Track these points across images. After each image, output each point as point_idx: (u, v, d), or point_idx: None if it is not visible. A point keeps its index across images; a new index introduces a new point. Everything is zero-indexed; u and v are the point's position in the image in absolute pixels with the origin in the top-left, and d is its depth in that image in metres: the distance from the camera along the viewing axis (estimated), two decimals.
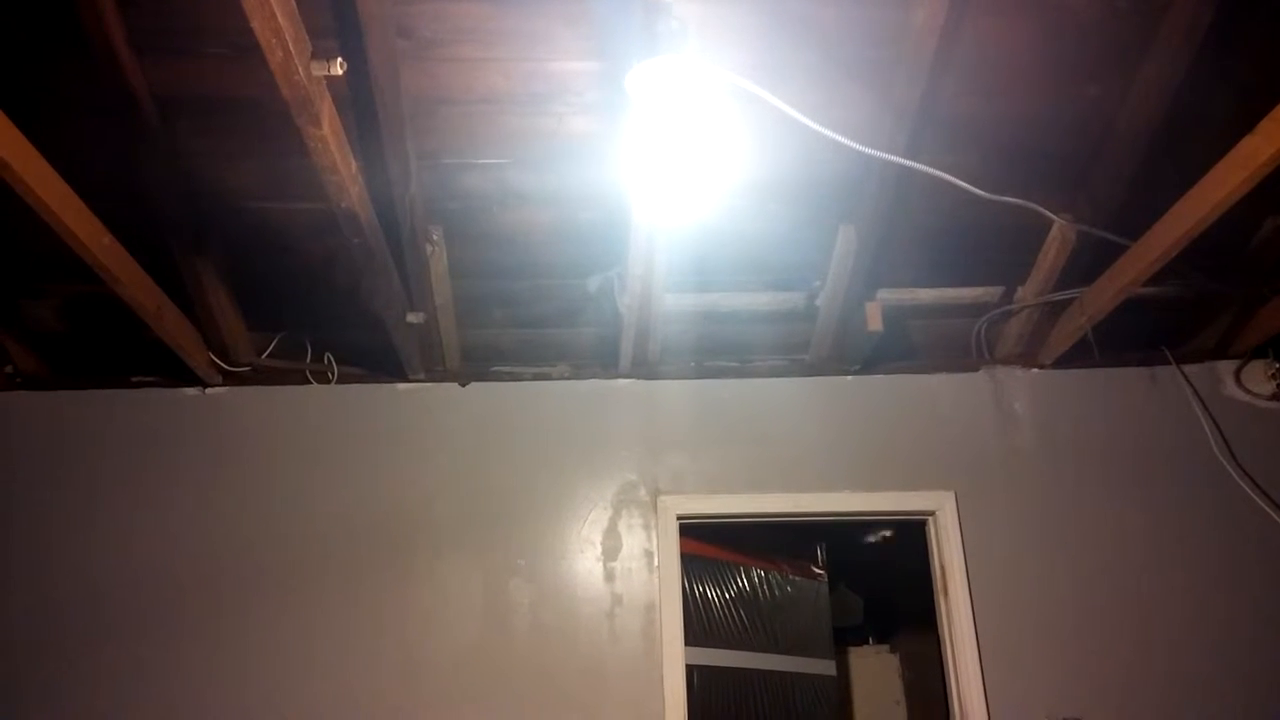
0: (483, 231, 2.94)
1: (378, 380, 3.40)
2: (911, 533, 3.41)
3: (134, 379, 3.36)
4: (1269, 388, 3.37)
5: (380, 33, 2.27)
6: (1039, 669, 3.07)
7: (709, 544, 3.94)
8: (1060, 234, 2.94)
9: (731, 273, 3.15)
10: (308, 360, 3.33)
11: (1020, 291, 3.23)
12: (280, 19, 1.71)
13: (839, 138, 2.37)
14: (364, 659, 3.05)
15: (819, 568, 4.65)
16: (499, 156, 2.70)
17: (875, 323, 3.09)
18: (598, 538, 3.24)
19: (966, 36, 2.40)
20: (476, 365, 3.43)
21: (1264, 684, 3.04)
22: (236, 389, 3.36)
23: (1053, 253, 3.00)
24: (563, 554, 3.21)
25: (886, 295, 3.18)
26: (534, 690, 3.04)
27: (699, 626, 3.73)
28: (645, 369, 3.42)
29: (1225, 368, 3.43)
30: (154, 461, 3.27)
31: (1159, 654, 3.08)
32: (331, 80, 1.96)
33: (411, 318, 2.99)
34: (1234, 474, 3.25)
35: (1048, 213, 2.82)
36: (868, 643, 5.43)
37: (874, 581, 5.38)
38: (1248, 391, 3.40)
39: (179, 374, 3.25)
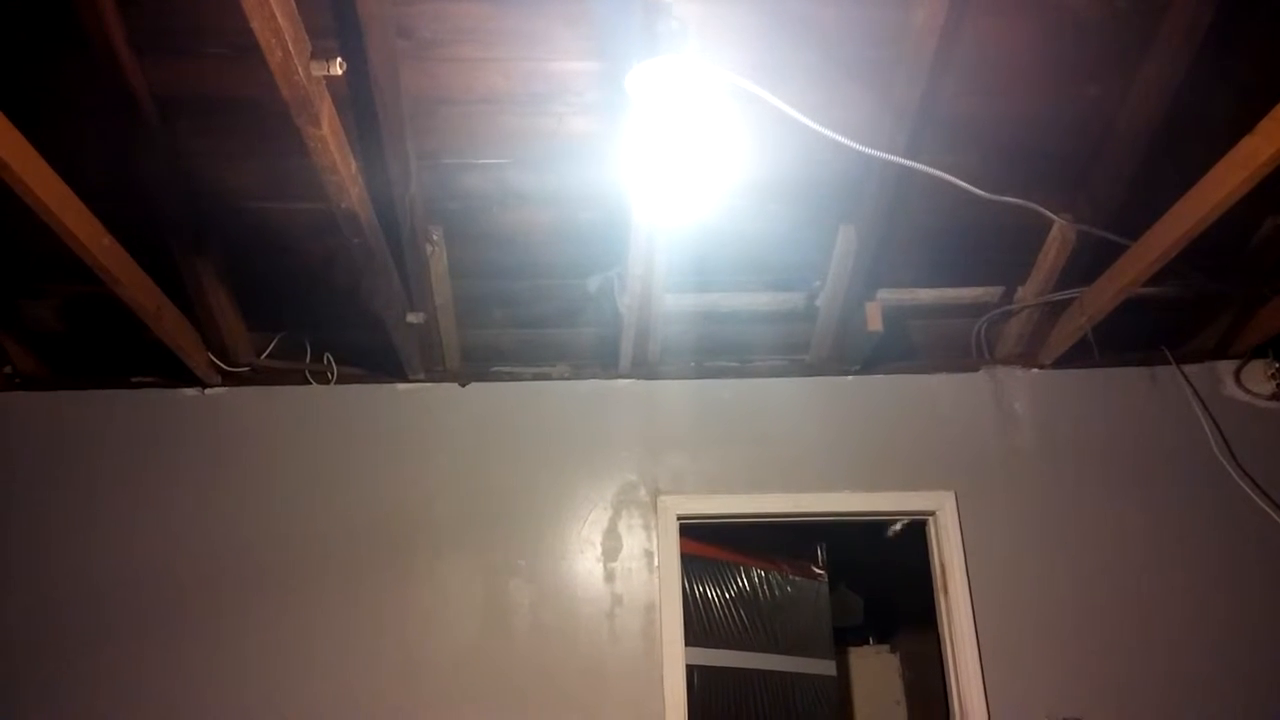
0: (483, 231, 2.94)
1: (377, 380, 3.40)
2: (912, 533, 3.40)
3: (134, 379, 3.36)
4: (1269, 388, 3.37)
5: (380, 33, 2.27)
6: (1039, 669, 3.07)
7: (709, 544, 3.94)
8: (1060, 234, 2.94)
9: (731, 273, 3.15)
10: (307, 360, 3.33)
11: (1020, 291, 3.23)
12: (280, 19, 1.71)
13: (839, 138, 2.37)
14: (364, 659, 3.05)
15: (819, 568, 4.65)
16: (499, 156, 2.70)
17: (875, 323, 3.09)
18: (598, 538, 3.24)
19: (966, 36, 2.40)
20: (476, 365, 3.43)
21: (1264, 684, 3.04)
22: (236, 389, 3.36)
23: (1053, 253, 3.00)
24: (563, 554, 3.21)
25: (886, 295, 3.18)
26: (534, 690, 3.04)
27: (699, 627, 3.73)
28: (645, 369, 3.42)
29: (1225, 368, 3.44)
30: (154, 462, 3.27)
31: (1159, 654, 3.08)
32: (331, 80, 1.96)
33: (411, 318, 2.99)
34: (1234, 474, 3.25)
35: (1048, 213, 2.82)
36: (868, 643, 5.43)
37: (874, 581, 5.38)
38: (1248, 391, 3.40)
39: (179, 374, 3.24)
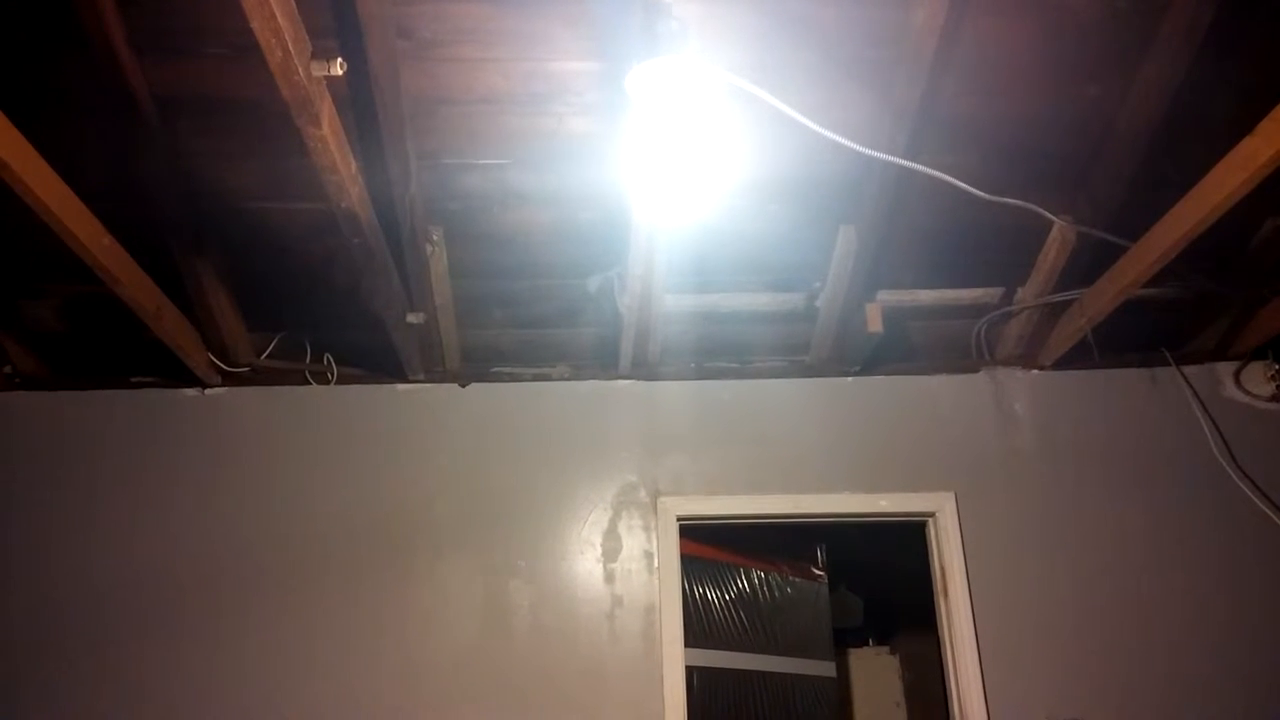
0: (483, 232, 2.94)
1: (377, 381, 3.40)
2: (911, 533, 3.40)
3: (133, 379, 3.36)
4: (1269, 389, 3.37)
5: (380, 33, 2.27)
6: (1039, 670, 3.06)
7: (709, 545, 3.94)
8: (1060, 235, 2.93)
9: (731, 273, 3.15)
10: (307, 361, 3.33)
11: (1020, 293, 3.23)
12: (280, 19, 1.71)
13: (839, 138, 2.37)
14: (364, 659, 3.05)
15: (819, 569, 4.64)
16: (499, 157, 2.70)
17: (875, 324, 3.09)
18: (598, 539, 3.24)
19: (966, 37, 2.40)
20: (476, 366, 3.43)
21: (1264, 685, 3.03)
22: (236, 389, 3.36)
23: (1053, 254, 3.00)
24: (563, 555, 3.21)
25: (886, 296, 3.18)
26: (534, 691, 3.03)
27: (699, 628, 3.73)
28: (645, 370, 3.42)
29: (1225, 369, 3.43)
30: (154, 462, 3.27)
31: (1159, 655, 3.07)
32: (331, 80, 1.96)
33: (411, 318, 2.99)
34: (1234, 475, 3.25)
35: (1048, 214, 2.82)
36: (868, 644, 5.42)
37: (874, 583, 5.38)
38: (1247, 393, 3.40)
39: (178, 374, 3.24)
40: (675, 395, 3.44)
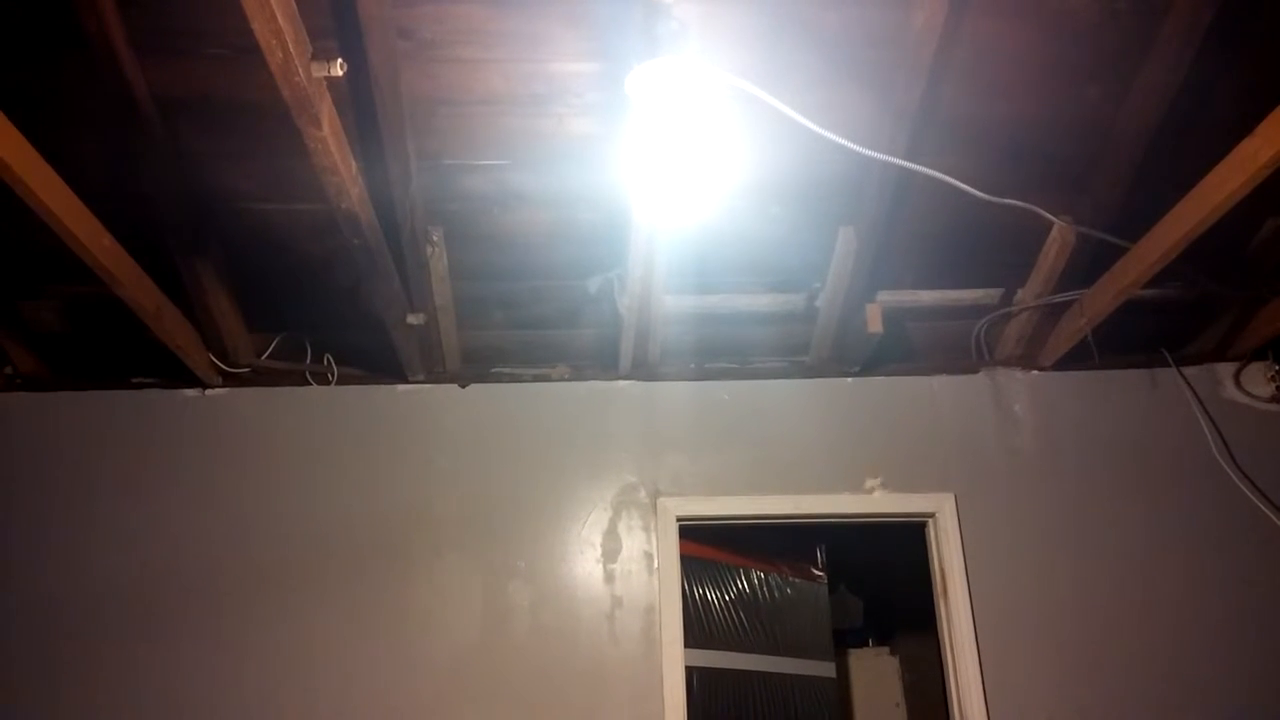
0: (483, 233, 2.94)
1: (378, 381, 3.40)
2: (911, 534, 3.40)
3: (134, 380, 3.36)
4: (1269, 390, 3.37)
5: (380, 34, 2.27)
6: (1039, 670, 3.07)
7: (709, 546, 3.94)
8: (1060, 236, 2.93)
9: (732, 274, 3.15)
10: (307, 361, 3.33)
11: (1020, 293, 3.23)
12: (280, 20, 1.71)
13: (839, 139, 2.37)
14: (364, 660, 3.05)
15: (819, 570, 4.64)
16: (499, 158, 2.70)
17: (875, 324, 3.09)
18: (597, 539, 3.24)
19: (966, 38, 2.41)
20: (477, 366, 3.43)
21: (1264, 686, 3.03)
22: (236, 390, 3.36)
23: (1052, 254, 3.00)
24: (562, 555, 3.21)
25: (886, 297, 3.18)
26: (533, 692, 3.03)
27: (699, 628, 3.73)
28: (645, 370, 3.42)
29: (1225, 370, 3.43)
30: (154, 462, 3.27)
31: (1159, 657, 3.07)
32: (332, 81, 1.96)
33: (411, 319, 2.99)
34: (1234, 476, 3.25)
35: (1047, 214, 2.82)
36: (868, 645, 5.42)
37: (874, 583, 5.38)
38: (1248, 394, 3.40)
39: (179, 375, 3.25)
40: (675, 396, 3.44)
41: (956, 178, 2.58)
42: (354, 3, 2.18)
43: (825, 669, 4.47)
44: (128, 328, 2.92)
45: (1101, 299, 2.97)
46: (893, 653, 5.39)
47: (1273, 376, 3.35)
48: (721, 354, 3.43)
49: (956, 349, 3.43)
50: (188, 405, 3.35)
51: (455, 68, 2.44)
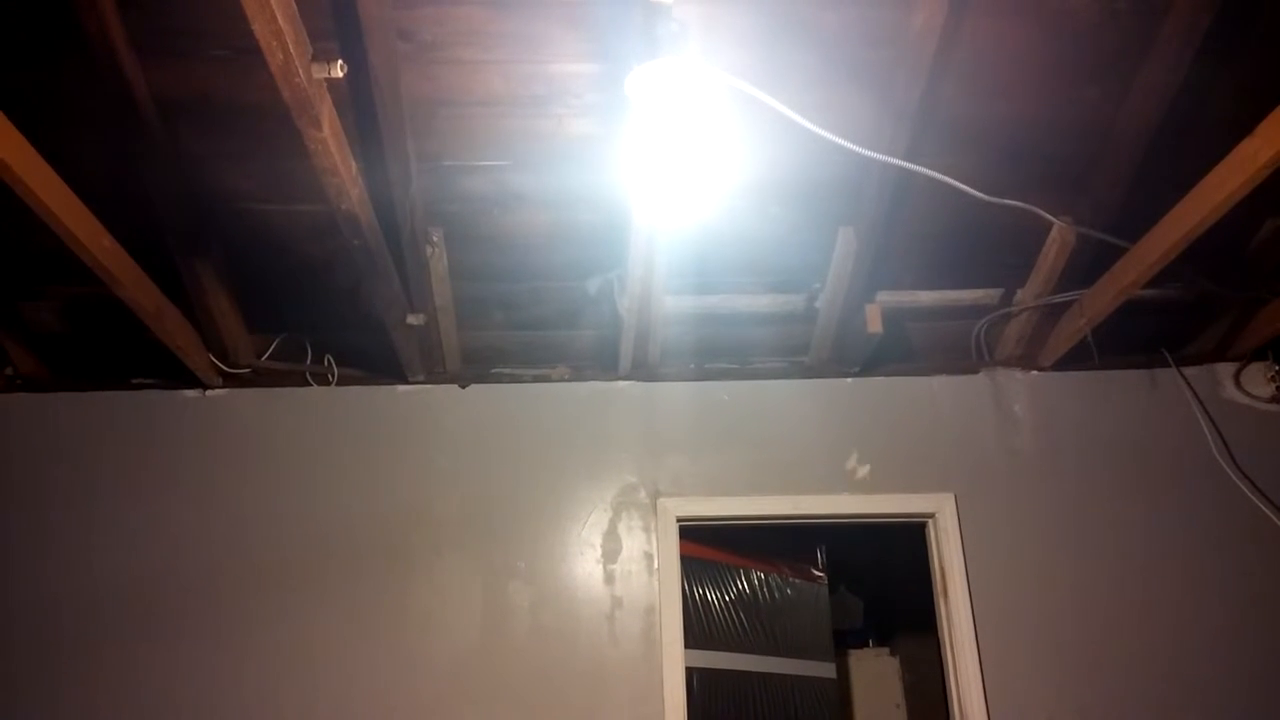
0: (483, 233, 2.94)
1: (378, 382, 3.40)
2: (911, 535, 3.40)
3: (134, 381, 3.36)
4: (1269, 390, 3.37)
5: (381, 35, 2.28)
6: (1039, 670, 3.07)
7: (709, 546, 3.94)
8: (1060, 236, 2.94)
9: (731, 275, 3.15)
10: (308, 362, 3.34)
11: (1020, 294, 3.23)
12: (281, 21, 1.72)
13: (839, 140, 2.37)
14: (363, 660, 3.05)
15: (819, 570, 4.65)
16: (499, 158, 2.70)
17: (875, 325, 3.09)
18: (597, 540, 3.24)
19: (966, 38, 2.41)
20: (477, 367, 3.43)
21: (1264, 686, 3.03)
22: (236, 391, 3.36)
23: (1052, 255, 3.00)
24: (562, 556, 3.21)
25: (886, 297, 3.18)
26: (533, 692, 3.03)
27: (699, 629, 3.73)
28: (645, 371, 3.42)
29: (1225, 370, 3.43)
30: (154, 463, 3.27)
31: (1159, 657, 3.07)
32: (332, 82, 1.96)
33: (412, 319, 2.99)
34: (1234, 476, 3.25)
35: (1047, 215, 2.82)
36: (868, 645, 5.42)
37: (874, 584, 5.38)
38: (1247, 394, 3.40)
39: (179, 376, 3.25)
40: (675, 396, 3.44)
41: (956, 178, 2.58)
42: (354, 4, 2.19)
43: (825, 669, 4.47)
44: (128, 328, 2.92)
45: (1101, 299, 2.97)
46: (893, 653, 5.39)
47: (1273, 377, 3.35)
48: (721, 354, 3.43)
49: (956, 349, 3.43)
50: (188, 406, 3.35)
51: (455, 69, 2.44)
